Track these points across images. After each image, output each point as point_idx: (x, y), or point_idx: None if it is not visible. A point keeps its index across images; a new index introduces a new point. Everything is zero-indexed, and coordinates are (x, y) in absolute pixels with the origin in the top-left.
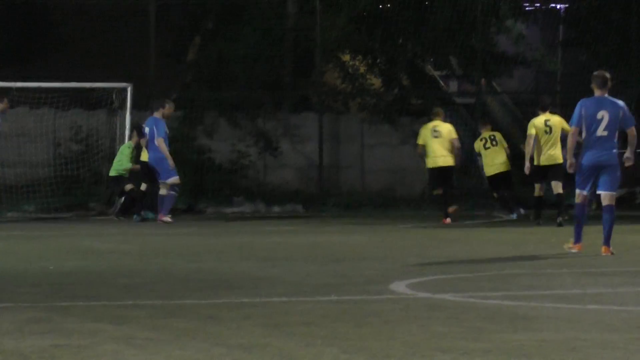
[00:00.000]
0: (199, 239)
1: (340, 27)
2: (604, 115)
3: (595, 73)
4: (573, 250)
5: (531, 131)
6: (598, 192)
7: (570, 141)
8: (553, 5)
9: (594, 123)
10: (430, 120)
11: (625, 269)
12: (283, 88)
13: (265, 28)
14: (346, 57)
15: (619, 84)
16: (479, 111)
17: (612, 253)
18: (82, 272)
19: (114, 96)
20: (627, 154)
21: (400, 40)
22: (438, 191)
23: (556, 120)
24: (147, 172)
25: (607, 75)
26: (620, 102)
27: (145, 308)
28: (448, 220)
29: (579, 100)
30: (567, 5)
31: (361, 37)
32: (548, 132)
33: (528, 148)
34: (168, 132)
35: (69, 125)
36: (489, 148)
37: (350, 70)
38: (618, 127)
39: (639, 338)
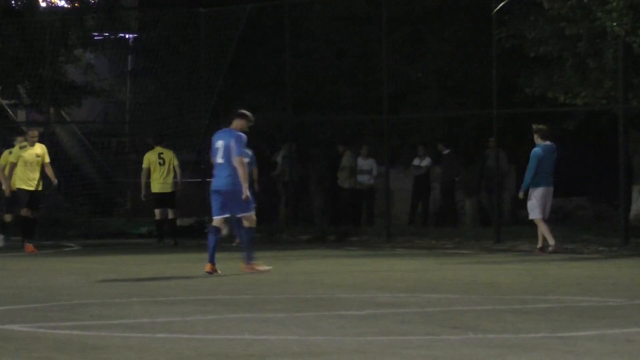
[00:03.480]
0: None
1: None
2: (220, 144)
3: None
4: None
5: (145, 164)
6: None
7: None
8: (122, 35)
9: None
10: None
11: (196, 297)
12: None
13: None
14: None
15: (188, 114)
16: (48, 140)
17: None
18: None
19: None
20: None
21: None
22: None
23: (169, 154)
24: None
25: None
26: (235, 133)
27: None
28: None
29: (148, 129)
30: (135, 35)
31: None
32: (162, 164)
33: (143, 179)
34: None
35: None
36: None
37: None
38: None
39: None
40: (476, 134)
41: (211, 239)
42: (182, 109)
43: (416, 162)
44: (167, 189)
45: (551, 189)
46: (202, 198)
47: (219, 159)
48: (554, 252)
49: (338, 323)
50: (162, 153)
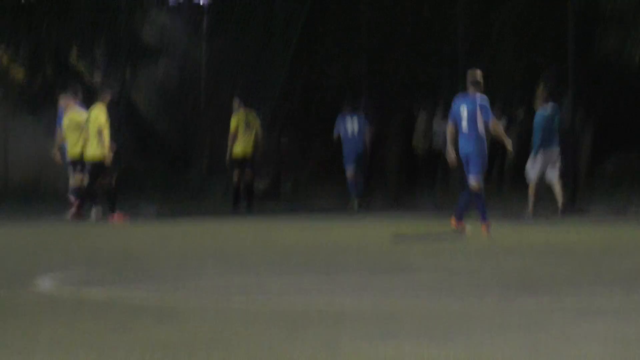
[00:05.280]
0: None
1: None
2: (464, 110)
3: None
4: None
5: (232, 128)
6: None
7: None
8: None
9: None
10: None
11: (271, 260)
12: None
13: None
14: None
15: (265, 69)
16: (124, 101)
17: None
18: None
19: None
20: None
21: (44, 31)
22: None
23: (252, 116)
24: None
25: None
26: (478, 99)
27: None
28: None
29: (223, 89)
30: None
31: (3, 28)
32: (248, 127)
33: (230, 142)
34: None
35: None
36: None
37: None
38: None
39: (283, 328)
40: (553, 89)
41: (465, 197)
42: (258, 65)
43: None
44: (249, 152)
45: (556, 149)
46: (277, 159)
47: (464, 124)
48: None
49: (412, 286)
50: (248, 115)
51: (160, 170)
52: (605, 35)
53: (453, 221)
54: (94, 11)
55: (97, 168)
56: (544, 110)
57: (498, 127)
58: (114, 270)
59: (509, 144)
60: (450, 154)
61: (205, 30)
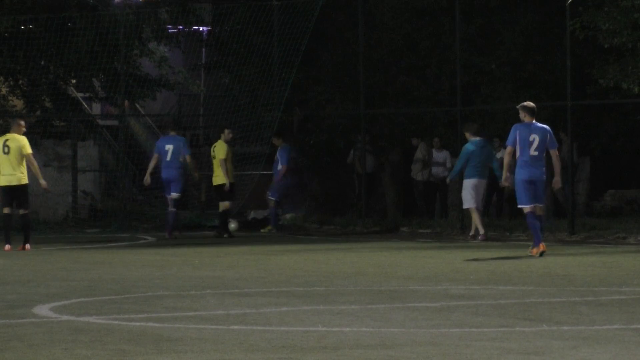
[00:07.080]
0: None
1: None
2: (534, 137)
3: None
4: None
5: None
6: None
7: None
8: (195, 28)
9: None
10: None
11: (269, 290)
12: None
13: None
14: None
15: (262, 107)
16: (123, 133)
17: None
18: None
19: None
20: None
21: (43, 62)
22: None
23: (218, 147)
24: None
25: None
26: (548, 128)
27: None
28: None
29: (221, 121)
30: (209, 29)
31: (2, 58)
32: (214, 158)
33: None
34: None
35: None
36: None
37: None
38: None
39: (282, 357)
40: (550, 125)
41: (533, 223)
42: (255, 102)
43: None
44: (217, 181)
45: (483, 181)
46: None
47: (534, 151)
48: (483, 240)
49: (411, 315)
50: (215, 146)
51: (158, 201)
52: (603, 72)
53: (542, 246)
54: (93, 43)
55: None
56: (471, 144)
57: (558, 158)
58: (112, 299)
59: (557, 179)
60: (508, 176)
61: (204, 61)
